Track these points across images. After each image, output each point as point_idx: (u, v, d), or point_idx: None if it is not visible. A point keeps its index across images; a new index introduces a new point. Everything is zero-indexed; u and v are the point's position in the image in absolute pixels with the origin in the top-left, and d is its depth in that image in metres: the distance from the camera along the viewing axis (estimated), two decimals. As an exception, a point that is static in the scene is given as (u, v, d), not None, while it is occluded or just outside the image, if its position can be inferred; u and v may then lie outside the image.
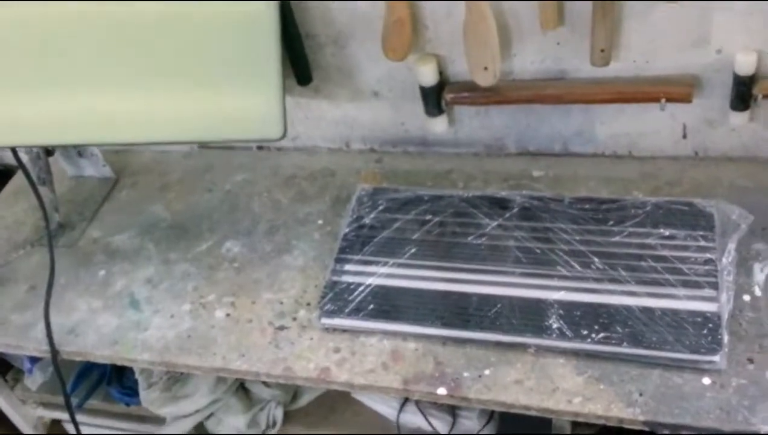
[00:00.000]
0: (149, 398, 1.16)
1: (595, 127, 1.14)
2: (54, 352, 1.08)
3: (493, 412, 1.10)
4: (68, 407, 1.19)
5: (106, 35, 0.98)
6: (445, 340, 0.97)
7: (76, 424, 1.21)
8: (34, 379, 1.42)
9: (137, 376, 1.18)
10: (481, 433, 1.12)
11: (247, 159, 1.33)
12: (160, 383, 1.15)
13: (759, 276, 0.95)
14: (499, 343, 0.94)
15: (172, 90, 0.98)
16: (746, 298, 0.93)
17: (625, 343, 0.89)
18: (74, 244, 1.23)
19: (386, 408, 1.15)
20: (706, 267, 0.94)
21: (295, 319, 1.04)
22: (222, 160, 1.33)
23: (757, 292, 0.93)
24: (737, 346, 0.88)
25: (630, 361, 0.89)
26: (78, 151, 1.27)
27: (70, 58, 0.97)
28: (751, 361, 0.87)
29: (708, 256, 0.95)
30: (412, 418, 1.13)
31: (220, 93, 1.00)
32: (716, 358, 0.86)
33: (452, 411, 1.11)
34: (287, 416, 1.24)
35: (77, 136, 1.00)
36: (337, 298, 1.02)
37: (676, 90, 1.02)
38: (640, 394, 0.86)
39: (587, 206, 1.05)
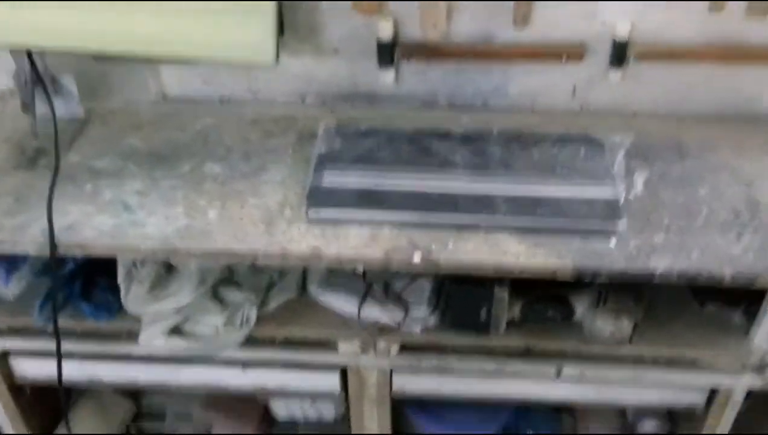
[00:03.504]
0: (135, 294, 1.26)
1: (508, 85, 1.46)
2: (53, 246, 1.17)
3: (438, 299, 1.33)
4: (55, 328, 1.27)
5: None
6: (414, 225, 1.20)
7: (58, 341, 1.29)
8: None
9: (120, 281, 1.28)
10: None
11: (212, 109, 1.50)
12: (145, 282, 1.26)
13: (638, 180, 1.29)
14: (458, 224, 1.19)
15: (188, 14, 1.19)
16: (632, 192, 1.26)
17: (553, 218, 1.18)
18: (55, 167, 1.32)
19: (347, 307, 1.34)
20: (604, 170, 1.27)
21: (282, 215, 1.23)
22: (188, 109, 1.50)
23: (639, 189, 1.27)
24: (632, 220, 1.20)
25: (557, 232, 1.18)
26: (55, 87, 1.38)
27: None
28: (641, 230, 1.19)
29: (604, 163, 1.28)
30: (370, 313, 1.33)
31: (225, 20, 1.21)
32: (619, 224, 1.17)
33: (404, 305, 1.33)
34: (256, 320, 1.37)
35: (99, 44, 1.16)
36: (319, 197, 1.22)
37: (573, 50, 1.37)
38: (567, 252, 1.15)
39: (510, 136, 1.35)
